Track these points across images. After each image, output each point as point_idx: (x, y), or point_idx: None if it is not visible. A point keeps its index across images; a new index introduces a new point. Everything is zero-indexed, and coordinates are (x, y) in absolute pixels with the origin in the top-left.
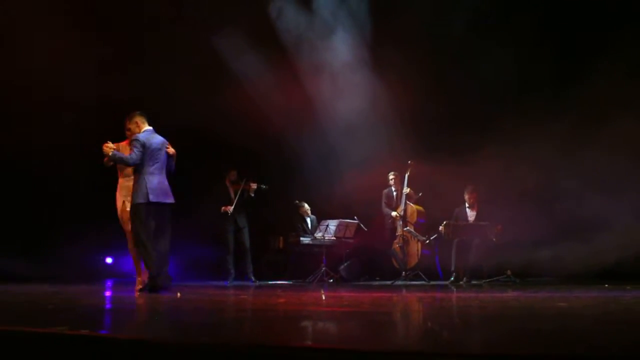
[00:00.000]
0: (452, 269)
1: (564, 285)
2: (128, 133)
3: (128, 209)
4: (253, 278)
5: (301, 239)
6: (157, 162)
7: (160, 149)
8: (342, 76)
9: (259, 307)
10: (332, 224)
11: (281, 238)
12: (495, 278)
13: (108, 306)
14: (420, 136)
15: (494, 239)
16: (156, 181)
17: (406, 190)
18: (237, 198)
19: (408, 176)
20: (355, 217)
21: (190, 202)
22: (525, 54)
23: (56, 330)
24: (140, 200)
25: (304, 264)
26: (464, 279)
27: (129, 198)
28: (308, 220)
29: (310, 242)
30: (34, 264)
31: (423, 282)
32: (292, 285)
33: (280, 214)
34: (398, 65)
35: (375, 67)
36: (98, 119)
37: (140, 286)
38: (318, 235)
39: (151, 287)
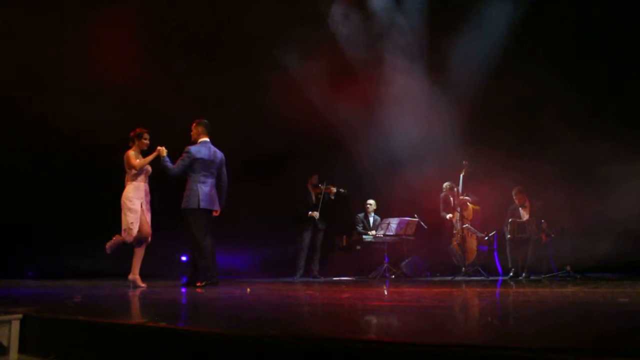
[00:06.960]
0: (510, 265)
1: (626, 280)
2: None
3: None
4: (318, 275)
5: (364, 237)
6: (208, 173)
7: (212, 161)
8: (399, 82)
9: (324, 302)
10: (393, 222)
11: (344, 236)
12: (554, 274)
13: (184, 301)
14: (476, 137)
15: (553, 235)
16: (207, 190)
17: (462, 197)
18: (320, 201)
19: (463, 176)
20: (416, 215)
21: (266, 205)
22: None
23: (137, 322)
24: (193, 206)
25: (366, 261)
26: (523, 274)
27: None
28: (371, 218)
29: (373, 240)
30: (120, 262)
31: (482, 278)
32: (355, 281)
33: (343, 214)
34: (454, 68)
35: (432, 72)
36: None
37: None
38: (379, 233)
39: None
